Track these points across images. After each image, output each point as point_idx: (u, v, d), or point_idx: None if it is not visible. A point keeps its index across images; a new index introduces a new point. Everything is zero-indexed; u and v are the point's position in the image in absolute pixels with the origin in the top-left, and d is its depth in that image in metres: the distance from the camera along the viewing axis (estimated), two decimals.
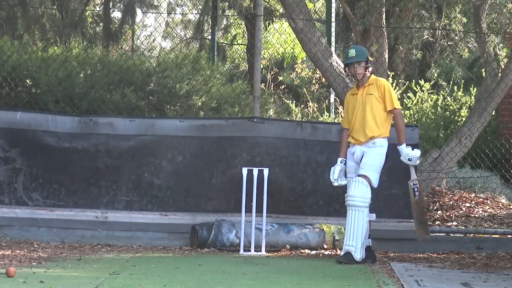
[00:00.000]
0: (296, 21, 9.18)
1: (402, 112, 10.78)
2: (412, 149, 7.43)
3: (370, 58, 7.45)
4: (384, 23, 9.85)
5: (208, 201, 8.39)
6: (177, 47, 13.53)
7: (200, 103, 10.21)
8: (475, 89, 11.47)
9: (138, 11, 13.96)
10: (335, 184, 7.45)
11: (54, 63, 9.97)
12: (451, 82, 11.51)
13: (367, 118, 7.32)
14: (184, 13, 15.02)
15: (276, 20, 14.98)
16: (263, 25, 10.95)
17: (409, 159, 7.39)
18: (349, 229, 7.24)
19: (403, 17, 9.54)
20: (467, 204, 9.58)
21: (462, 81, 10.92)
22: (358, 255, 7.22)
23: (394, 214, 8.38)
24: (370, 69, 7.44)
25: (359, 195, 7.22)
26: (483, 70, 10.40)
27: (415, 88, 11.47)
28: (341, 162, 7.46)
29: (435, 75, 11.04)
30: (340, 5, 10.62)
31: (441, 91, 11.55)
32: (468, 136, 9.44)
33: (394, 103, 7.36)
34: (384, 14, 9.82)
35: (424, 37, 9.97)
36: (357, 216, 7.21)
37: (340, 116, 11.93)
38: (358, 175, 7.29)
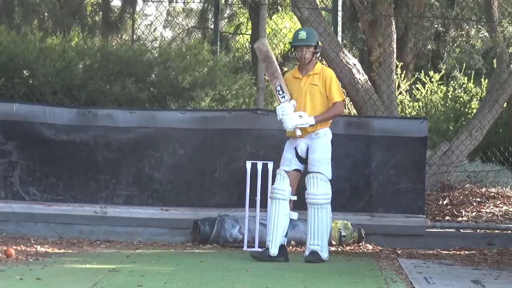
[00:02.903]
0: (301, 10, 9.15)
1: (412, 104, 10.54)
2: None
3: (320, 44, 7.18)
4: (393, 13, 9.76)
5: (211, 195, 8.31)
6: (178, 36, 13.44)
7: (203, 94, 10.11)
8: (486, 80, 11.47)
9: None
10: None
11: (52, 53, 9.93)
12: (462, 72, 11.49)
13: (308, 111, 7.01)
14: (186, 1, 14.97)
15: (282, 9, 14.92)
16: (267, 14, 10.86)
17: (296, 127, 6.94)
18: (313, 228, 7.00)
19: (412, 6, 9.45)
20: (478, 199, 9.54)
21: (473, 72, 10.92)
22: (325, 253, 7.01)
23: (402, 209, 8.30)
24: (318, 55, 7.17)
25: (321, 192, 6.98)
26: (494, 60, 10.37)
27: (424, 80, 11.46)
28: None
29: (446, 66, 11.00)
30: None
31: (452, 82, 11.57)
32: (479, 128, 9.51)
33: (338, 96, 7.02)
34: (392, 4, 9.75)
35: (435, 27, 9.88)
36: (320, 214, 7.00)
37: (347, 107, 11.87)
38: (313, 172, 7.01)
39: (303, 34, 7.07)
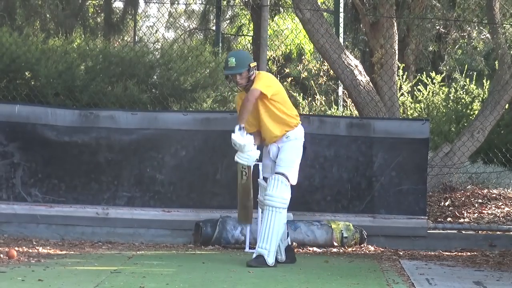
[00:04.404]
0: (303, 11, 9.12)
1: (413, 105, 10.48)
2: (243, 136, 6.77)
3: (252, 64, 6.81)
4: (394, 14, 9.75)
5: (213, 197, 8.29)
6: (180, 38, 13.42)
7: (204, 96, 10.11)
8: (488, 81, 11.43)
9: (141, 1, 13.94)
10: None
11: (54, 54, 9.91)
12: (464, 74, 11.46)
13: (266, 123, 6.86)
14: (187, 3, 14.97)
15: (284, 10, 14.92)
16: (269, 16, 10.86)
17: (234, 144, 6.79)
18: (264, 230, 6.80)
19: (414, 8, 9.43)
20: (480, 200, 9.48)
21: (475, 73, 10.87)
22: (271, 259, 6.78)
23: (404, 210, 8.29)
24: (253, 76, 6.84)
25: (279, 195, 6.79)
26: (496, 61, 10.34)
27: (426, 81, 11.43)
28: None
29: (447, 67, 10.98)
30: None
31: (454, 84, 11.54)
32: (481, 130, 9.45)
33: (257, 85, 6.69)
34: (393, 5, 9.73)
35: (436, 28, 9.86)
36: (273, 218, 6.77)
37: (349, 109, 11.86)
38: (276, 173, 6.86)
39: (232, 61, 6.76)
